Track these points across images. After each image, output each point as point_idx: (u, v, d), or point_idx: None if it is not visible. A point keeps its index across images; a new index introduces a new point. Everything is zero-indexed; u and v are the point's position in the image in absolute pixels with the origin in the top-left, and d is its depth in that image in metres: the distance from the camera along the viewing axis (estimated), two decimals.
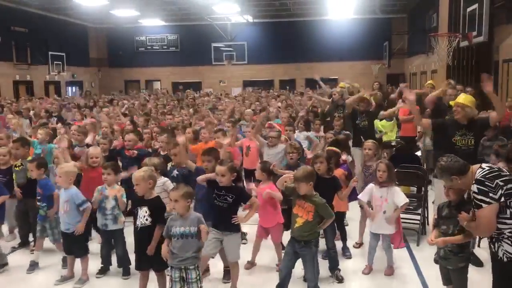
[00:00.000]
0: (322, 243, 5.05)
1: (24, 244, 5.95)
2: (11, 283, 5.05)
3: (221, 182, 4.49)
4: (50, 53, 23.54)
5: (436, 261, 4.53)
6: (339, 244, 5.48)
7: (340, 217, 5.58)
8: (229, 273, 4.81)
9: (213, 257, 4.76)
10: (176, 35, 29.03)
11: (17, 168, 5.90)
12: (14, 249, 5.90)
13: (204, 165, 5.18)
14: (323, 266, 5.05)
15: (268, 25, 27.60)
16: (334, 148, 5.76)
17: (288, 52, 26.89)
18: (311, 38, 26.75)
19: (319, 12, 25.19)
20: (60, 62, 24.41)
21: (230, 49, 27.77)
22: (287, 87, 20.63)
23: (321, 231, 4.96)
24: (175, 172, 5.82)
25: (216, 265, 5.04)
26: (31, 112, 11.49)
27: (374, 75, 23.55)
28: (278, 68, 27.97)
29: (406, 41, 24.74)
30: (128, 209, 5.29)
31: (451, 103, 5.55)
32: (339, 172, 5.13)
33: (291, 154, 5.79)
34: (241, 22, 26.68)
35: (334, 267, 4.97)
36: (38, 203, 5.26)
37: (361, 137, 7.66)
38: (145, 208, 4.32)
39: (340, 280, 4.90)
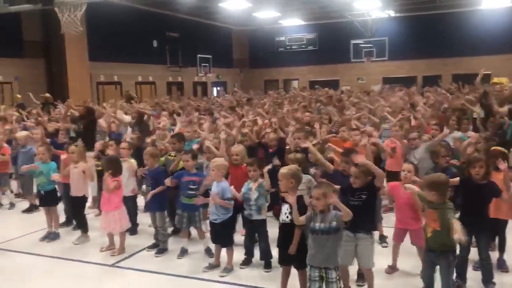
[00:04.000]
0: (474, 252, 4.65)
1: (176, 231, 6.43)
2: (163, 267, 5.50)
3: (354, 184, 4.46)
4: (198, 55, 25.30)
5: None
6: (494, 256, 4.98)
7: (501, 226, 5.08)
8: (363, 277, 4.69)
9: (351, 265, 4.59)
10: (314, 33, 29.16)
11: (170, 157, 6.45)
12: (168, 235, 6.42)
13: (342, 166, 5.21)
14: (475, 278, 4.65)
15: (411, 19, 26.23)
16: (500, 148, 5.21)
17: (432, 46, 25.24)
18: (460, 31, 24.75)
19: (470, 2, 23.22)
20: (207, 64, 26.13)
21: (370, 45, 27.06)
22: (440, 82, 18.96)
23: (473, 239, 4.60)
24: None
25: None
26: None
27: None
28: (421, 64, 26.37)
29: None
30: (267, 204, 5.44)
31: None
32: (500, 176, 4.61)
33: (447, 158, 5.39)
34: (382, 17, 25.82)
35: (488, 280, 4.54)
36: (189, 192, 5.59)
37: None
38: (287, 205, 4.40)
39: None
